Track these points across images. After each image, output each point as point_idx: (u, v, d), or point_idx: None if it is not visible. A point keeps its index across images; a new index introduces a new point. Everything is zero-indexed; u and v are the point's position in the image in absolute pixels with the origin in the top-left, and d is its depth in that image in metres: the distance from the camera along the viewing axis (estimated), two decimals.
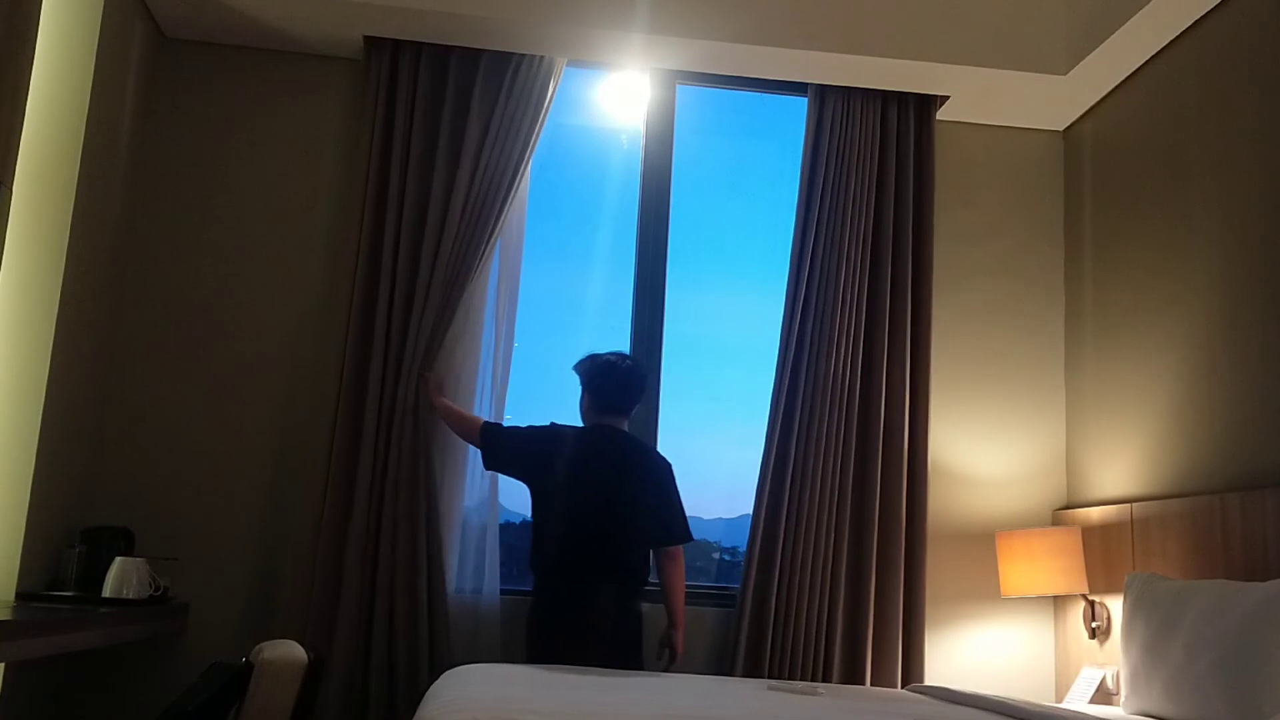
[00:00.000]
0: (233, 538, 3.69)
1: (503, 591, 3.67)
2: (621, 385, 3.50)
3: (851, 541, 3.75)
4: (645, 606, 3.49)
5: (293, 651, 2.64)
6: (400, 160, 3.77)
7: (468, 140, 3.78)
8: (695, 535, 3.53)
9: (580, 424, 3.54)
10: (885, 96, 4.03)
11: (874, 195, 3.95)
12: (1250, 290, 3.15)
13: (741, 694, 2.68)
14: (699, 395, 4.12)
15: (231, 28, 3.82)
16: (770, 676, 3.57)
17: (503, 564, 3.71)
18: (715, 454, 4.13)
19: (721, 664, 3.74)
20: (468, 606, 3.63)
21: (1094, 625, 3.63)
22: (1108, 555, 3.60)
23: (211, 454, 3.72)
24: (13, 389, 3.14)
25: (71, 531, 3.40)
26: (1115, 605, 3.52)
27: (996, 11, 3.85)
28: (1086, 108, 4.09)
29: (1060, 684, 3.87)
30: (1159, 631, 2.89)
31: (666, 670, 3.44)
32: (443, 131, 3.80)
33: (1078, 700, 3.43)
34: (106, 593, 3.13)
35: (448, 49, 3.87)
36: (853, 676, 3.65)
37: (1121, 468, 3.68)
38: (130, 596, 3.14)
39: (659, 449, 3.85)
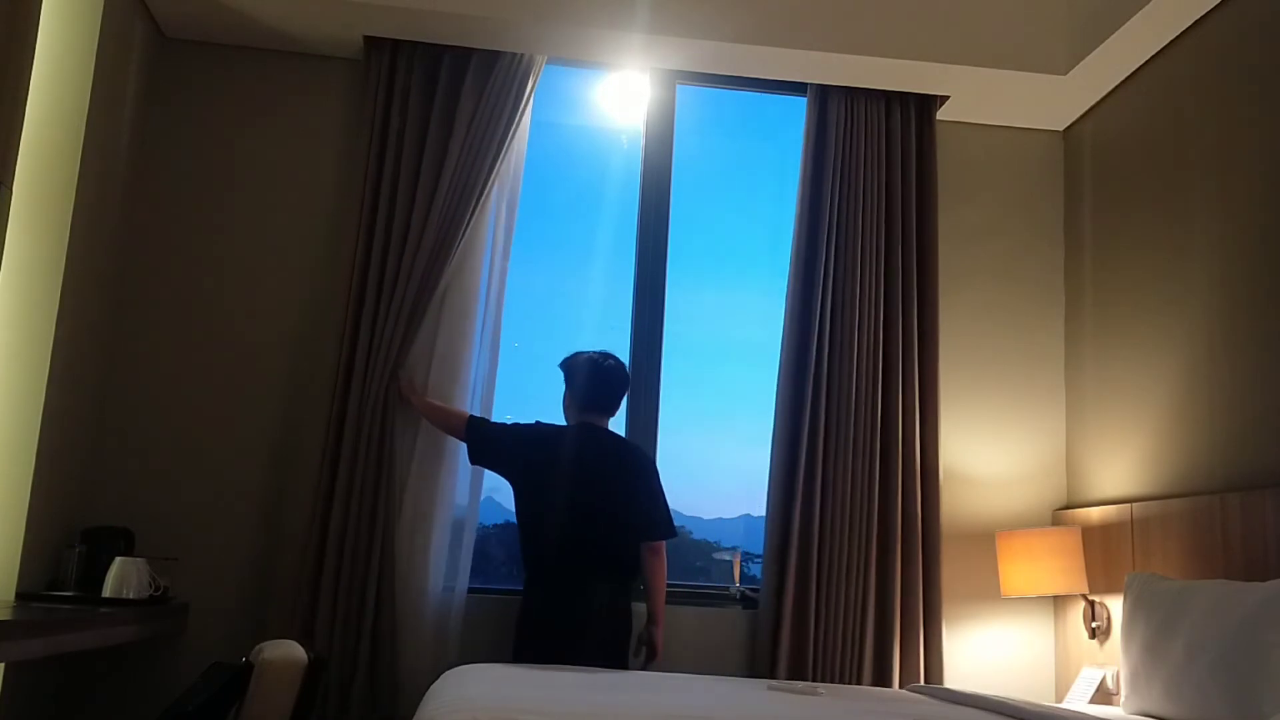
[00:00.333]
0: (233, 538, 3.69)
1: (470, 590, 3.65)
2: (604, 383, 3.52)
3: (880, 543, 3.74)
4: (635, 605, 3.47)
5: (293, 651, 2.64)
6: (399, 160, 3.77)
7: (453, 139, 3.77)
8: (695, 535, 3.53)
9: (563, 422, 3.56)
10: (886, 97, 4.02)
11: (875, 196, 3.94)
12: (1250, 290, 3.15)
13: (741, 694, 2.69)
14: (699, 395, 4.12)
15: (231, 28, 3.82)
16: (793, 678, 3.55)
17: (502, 564, 3.70)
18: (715, 454, 4.12)
19: (749, 666, 3.73)
20: (447, 605, 3.62)
21: (1094, 625, 3.63)
22: (1108, 555, 3.60)
23: (211, 454, 3.72)
24: (13, 389, 3.14)
25: (71, 531, 3.40)
26: (1115, 605, 3.52)
27: (996, 11, 3.85)
28: (1086, 108, 4.09)
29: (1060, 684, 3.87)
30: (1159, 631, 2.89)
31: (644, 669, 3.43)
32: (430, 131, 3.79)
33: (1078, 700, 3.43)
34: (106, 593, 3.13)
35: (448, 49, 3.86)
36: (880, 678, 3.65)
37: (1121, 468, 3.68)
38: (130, 596, 3.13)
39: (658, 449, 3.85)
